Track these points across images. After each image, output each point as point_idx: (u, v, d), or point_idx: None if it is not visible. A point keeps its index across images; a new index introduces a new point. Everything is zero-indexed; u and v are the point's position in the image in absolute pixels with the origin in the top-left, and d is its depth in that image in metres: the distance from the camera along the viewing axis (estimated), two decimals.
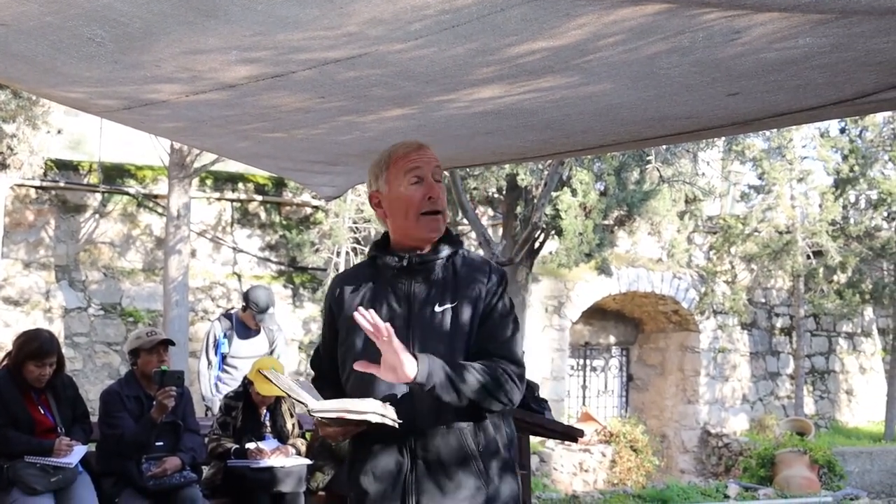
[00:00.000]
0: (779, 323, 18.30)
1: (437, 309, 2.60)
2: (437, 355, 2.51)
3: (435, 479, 2.54)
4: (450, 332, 2.58)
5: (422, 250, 2.66)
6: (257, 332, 7.16)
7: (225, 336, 7.13)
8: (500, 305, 2.65)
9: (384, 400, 2.52)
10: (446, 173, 11.77)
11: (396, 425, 2.49)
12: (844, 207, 17.34)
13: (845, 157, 16.82)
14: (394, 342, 2.38)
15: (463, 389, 2.47)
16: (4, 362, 5.17)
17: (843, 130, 17.12)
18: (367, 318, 2.40)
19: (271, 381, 2.63)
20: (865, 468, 15.23)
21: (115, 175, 13.01)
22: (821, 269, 16.91)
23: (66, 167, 12.73)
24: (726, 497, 9.88)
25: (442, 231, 2.68)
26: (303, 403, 2.51)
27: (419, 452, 2.55)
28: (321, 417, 2.50)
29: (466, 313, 2.60)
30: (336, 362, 2.74)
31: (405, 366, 2.39)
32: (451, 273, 2.65)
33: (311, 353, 12.52)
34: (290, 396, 2.54)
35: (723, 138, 15.00)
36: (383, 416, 2.46)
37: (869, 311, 19.19)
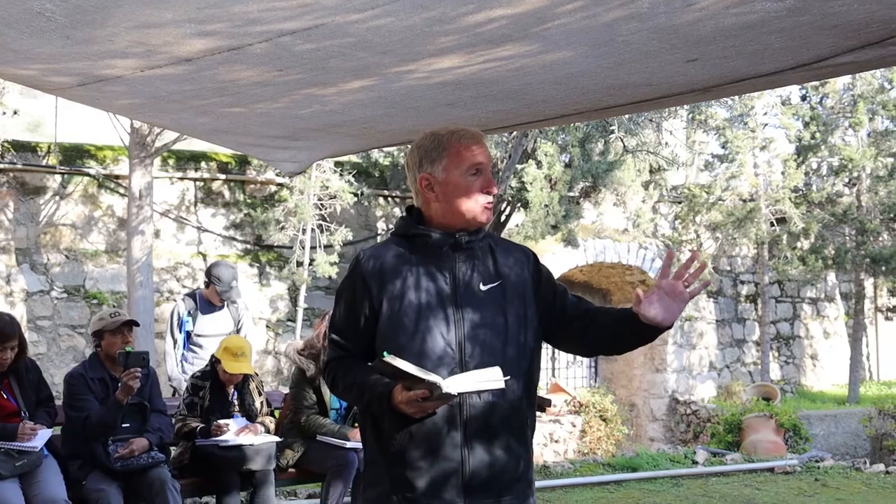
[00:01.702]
0: (744, 290, 18.49)
1: (483, 287, 2.68)
2: (488, 329, 2.63)
3: (487, 454, 2.61)
4: (497, 309, 2.66)
5: (466, 232, 2.73)
6: (222, 307, 7.11)
7: (189, 314, 7.08)
8: (547, 271, 2.85)
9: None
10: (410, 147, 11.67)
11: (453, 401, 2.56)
12: (806, 174, 17.53)
13: (806, 125, 16.97)
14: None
15: None
16: None
17: (804, 98, 17.26)
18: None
19: (392, 364, 2.47)
20: (830, 431, 15.49)
21: (74, 156, 12.83)
22: (784, 236, 17.10)
23: (23, 148, 12.53)
24: (695, 463, 9.97)
25: (490, 217, 2.80)
26: (434, 383, 2.46)
27: (472, 425, 2.60)
28: (456, 393, 2.49)
29: (513, 291, 2.71)
30: (365, 339, 2.71)
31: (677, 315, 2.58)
32: (489, 254, 2.76)
33: (279, 331, 12.42)
34: (418, 378, 2.47)
35: (686, 107, 15.07)
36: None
37: (832, 277, 19.44)
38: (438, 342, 2.60)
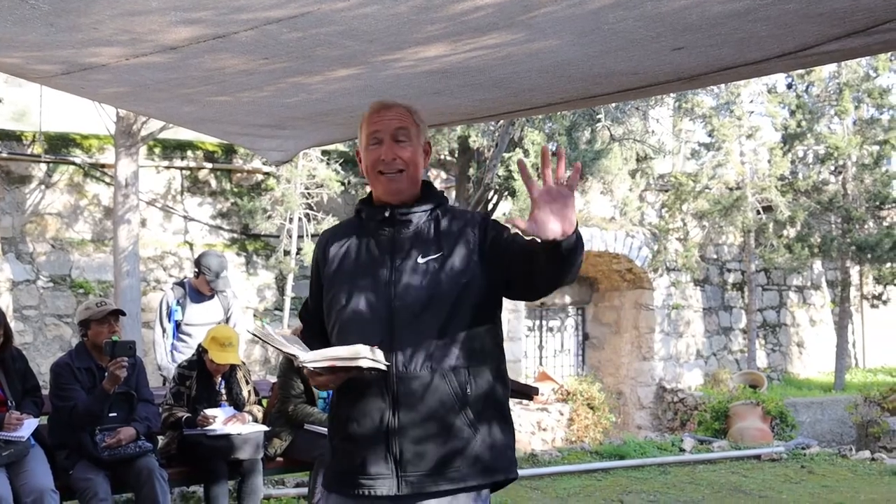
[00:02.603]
0: (731, 278, 18.56)
1: (421, 260, 2.61)
2: (417, 303, 2.56)
3: (418, 424, 2.54)
4: (434, 282, 2.58)
5: (405, 204, 2.68)
6: (211, 297, 7.11)
7: (178, 304, 7.06)
8: (498, 227, 2.70)
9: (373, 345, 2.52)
10: None
11: (386, 368, 2.51)
12: (792, 162, 17.60)
13: (792, 113, 17.03)
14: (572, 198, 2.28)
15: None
16: None
17: (789, 86, 17.32)
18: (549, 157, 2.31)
19: (259, 337, 2.61)
20: (816, 418, 15.58)
21: (59, 145, 12.77)
22: (770, 224, 17.17)
23: (8, 137, 12.47)
24: (682, 450, 10.02)
25: (401, 191, 2.68)
26: (293, 356, 2.49)
27: (402, 397, 2.54)
28: (312, 367, 2.48)
29: (459, 261, 2.61)
30: (323, 314, 2.76)
31: (573, 216, 2.27)
32: (435, 226, 2.67)
33: (267, 320, 12.42)
34: (280, 350, 2.53)
35: (672, 96, 15.09)
36: (374, 360, 2.47)
37: (818, 265, 19.54)
38: (366, 315, 2.60)
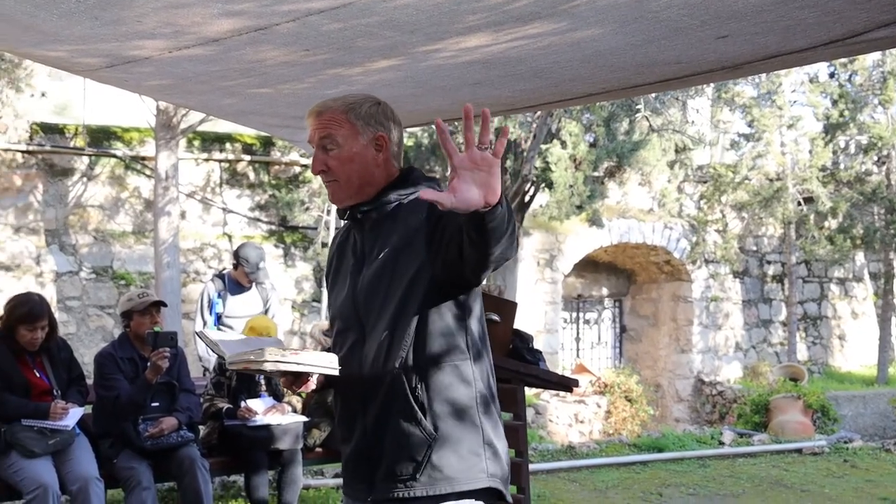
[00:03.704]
0: (770, 270, 18.36)
1: (379, 257, 2.50)
2: (374, 302, 2.46)
3: (381, 427, 2.43)
4: (386, 279, 2.46)
5: (363, 203, 2.56)
6: (250, 288, 7.15)
7: (219, 296, 7.12)
8: (442, 216, 2.35)
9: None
10: (435, 127, 11.65)
11: (334, 373, 2.43)
12: (834, 153, 17.34)
13: (835, 102, 16.77)
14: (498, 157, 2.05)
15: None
16: None
17: (832, 75, 17.06)
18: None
19: (203, 339, 2.63)
20: (859, 412, 15.38)
21: (101, 138, 12.91)
22: (812, 216, 16.95)
23: (51, 130, 12.62)
24: (721, 444, 9.94)
25: (340, 198, 2.57)
26: (220, 354, 2.49)
27: (367, 400, 2.45)
28: (231, 368, 2.47)
29: (409, 253, 2.43)
30: None
31: (496, 184, 2.05)
32: (393, 220, 2.52)
33: (304, 312, 12.46)
34: (213, 351, 2.54)
35: (711, 85, 14.94)
36: (298, 363, 2.38)
37: (860, 256, 19.26)
38: (345, 310, 2.55)
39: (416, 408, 2.38)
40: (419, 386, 2.39)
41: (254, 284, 7.15)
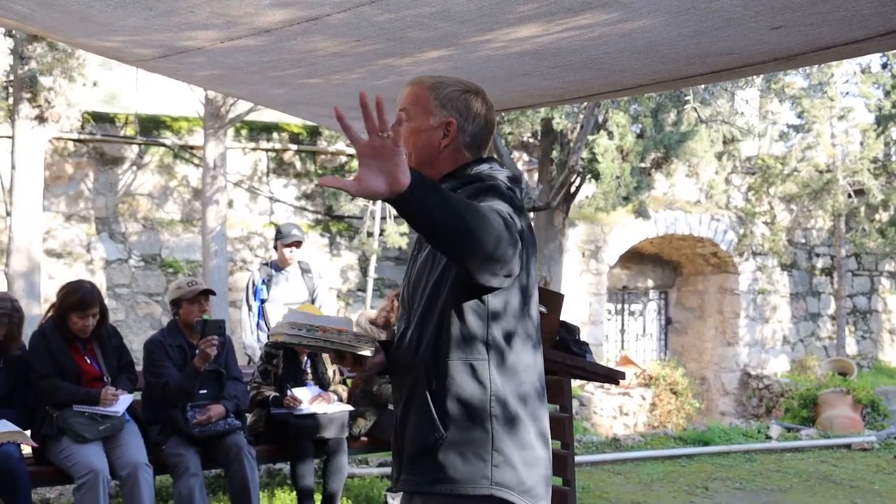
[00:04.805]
0: (819, 263, 18.12)
1: (426, 249, 2.52)
2: (413, 296, 2.49)
3: (408, 418, 2.47)
4: (426, 273, 2.48)
5: None
6: (293, 269, 7.13)
7: (264, 283, 7.15)
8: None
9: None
10: None
11: (369, 354, 2.51)
12: (886, 144, 17.03)
13: (887, 93, 16.46)
14: (399, 144, 2.00)
15: (450, 199, 2.07)
16: (50, 314, 5.24)
17: (884, 66, 16.74)
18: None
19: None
20: None
21: (150, 127, 13.06)
22: (862, 208, 16.69)
23: (102, 119, 12.79)
24: (768, 438, 9.84)
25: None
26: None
27: (404, 390, 2.49)
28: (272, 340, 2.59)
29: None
30: None
31: (403, 169, 1.99)
32: None
33: (350, 301, 12.48)
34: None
35: (761, 76, 14.74)
36: (348, 344, 2.48)
37: None
38: (403, 297, 2.59)
39: (431, 404, 2.38)
40: (434, 382, 2.39)
41: (301, 273, 7.16)
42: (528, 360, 2.44)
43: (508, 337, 2.41)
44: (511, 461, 2.36)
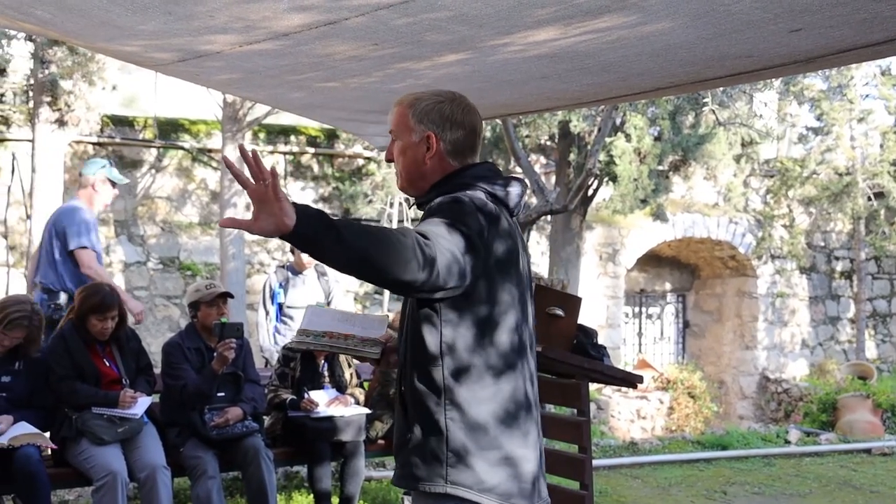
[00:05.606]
0: (839, 266, 18.02)
1: None
2: (407, 306, 2.60)
3: (398, 418, 2.64)
4: None
5: (420, 195, 2.68)
6: (310, 273, 7.16)
7: (281, 286, 7.18)
8: (434, 214, 2.45)
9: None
10: (499, 121, 11.70)
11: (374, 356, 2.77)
12: None
13: None
14: (278, 190, 2.15)
15: (345, 232, 2.18)
16: (69, 316, 5.27)
17: None
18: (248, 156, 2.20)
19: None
20: None
21: (169, 130, 13.12)
22: (882, 211, 16.58)
23: (121, 123, 12.86)
24: (787, 442, 9.79)
25: (398, 186, 2.71)
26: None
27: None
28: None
29: None
30: None
31: (286, 212, 2.14)
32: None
33: (367, 304, 12.51)
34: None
35: (780, 79, 14.68)
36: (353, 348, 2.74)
37: None
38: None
39: (402, 406, 2.58)
40: (404, 384, 2.57)
41: (318, 276, 7.18)
42: (498, 369, 2.50)
43: (472, 346, 2.47)
44: (467, 462, 2.44)
